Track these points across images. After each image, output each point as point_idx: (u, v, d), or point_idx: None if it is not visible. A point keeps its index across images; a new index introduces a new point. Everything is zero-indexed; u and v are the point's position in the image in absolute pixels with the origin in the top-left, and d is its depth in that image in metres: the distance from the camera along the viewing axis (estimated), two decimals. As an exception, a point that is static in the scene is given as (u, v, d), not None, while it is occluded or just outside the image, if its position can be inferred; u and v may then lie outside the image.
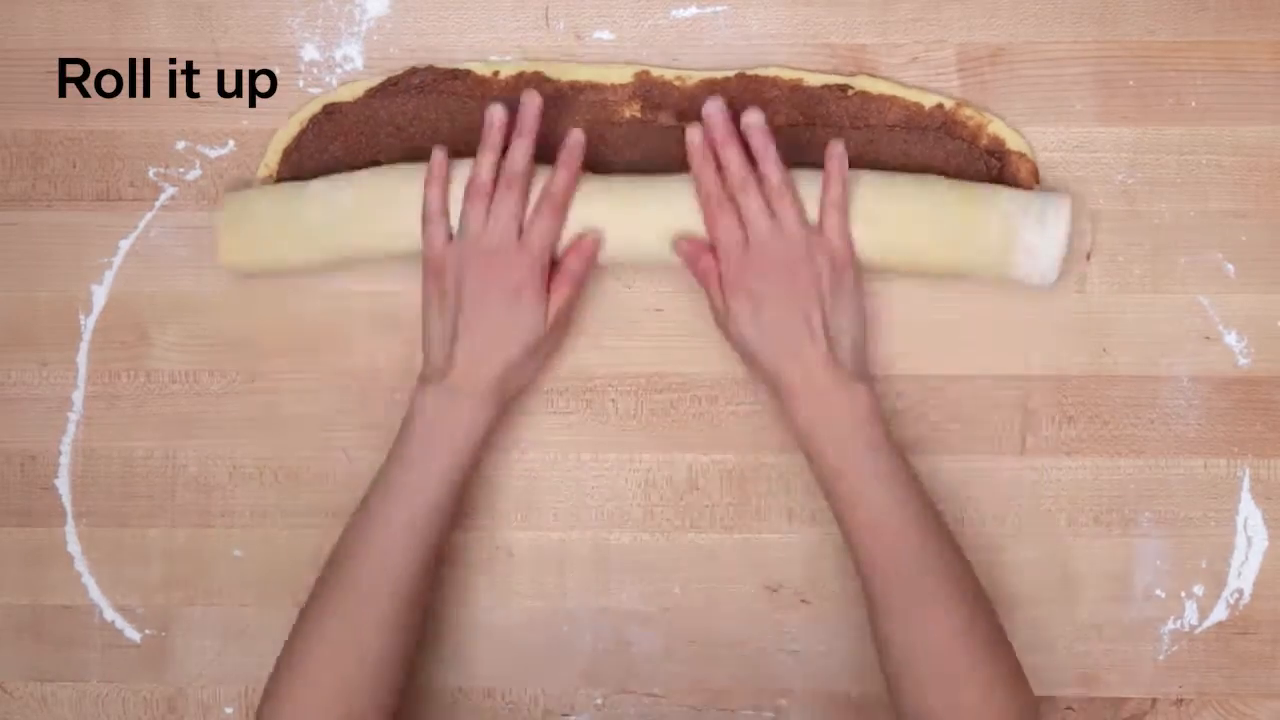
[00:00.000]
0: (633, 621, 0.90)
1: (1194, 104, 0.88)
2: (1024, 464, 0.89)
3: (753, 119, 0.82)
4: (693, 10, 0.89)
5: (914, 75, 0.88)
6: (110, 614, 0.92)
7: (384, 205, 0.85)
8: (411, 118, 0.89)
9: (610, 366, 0.90)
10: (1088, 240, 0.88)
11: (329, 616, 0.81)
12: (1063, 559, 0.89)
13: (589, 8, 0.89)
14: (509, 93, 0.88)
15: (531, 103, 0.84)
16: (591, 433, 0.90)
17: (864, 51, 0.89)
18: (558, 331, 0.86)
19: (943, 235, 0.84)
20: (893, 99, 0.87)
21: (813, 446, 0.82)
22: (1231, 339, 0.88)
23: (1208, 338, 0.88)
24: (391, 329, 0.90)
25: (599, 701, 0.91)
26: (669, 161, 0.86)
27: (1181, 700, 0.89)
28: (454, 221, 0.84)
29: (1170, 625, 0.89)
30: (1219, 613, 0.89)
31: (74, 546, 0.91)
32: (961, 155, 0.87)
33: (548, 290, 0.84)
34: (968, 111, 0.87)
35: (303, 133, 0.89)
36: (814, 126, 0.87)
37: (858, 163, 0.85)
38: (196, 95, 0.90)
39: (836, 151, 0.82)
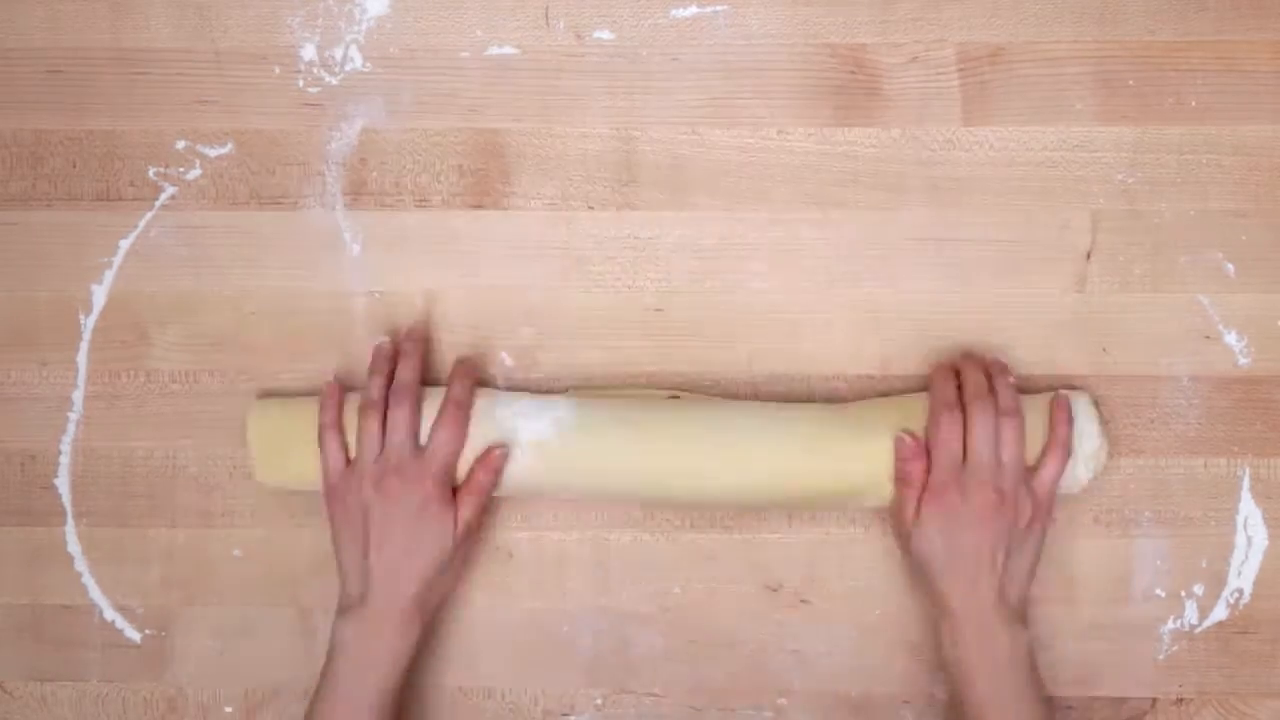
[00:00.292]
0: (633, 621, 0.90)
1: (1194, 104, 0.88)
2: (1024, 464, 0.89)
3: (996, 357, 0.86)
4: (693, 10, 0.89)
5: (914, 75, 0.88)
6: (110, 614, 0.92)
7: None
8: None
9: (610, 366, 0.90)
10: (1088, 240, 0.89)
11: None
12: (1063, 559, 0.89)
13: (589, 7, 0.90)
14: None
15: (415, 332, 0.87)
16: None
17: (864, 51, 0.89)
18: (468, 542, 0.86)
19: None
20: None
21: (961, 673, 0.81)
22: (1231, 339, 0.88)
23: (1208, 337, 0.88)
24: (390, 329, 0.90)
25: (599, 701, 0.90)
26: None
27: (1181, 700, 0.89)
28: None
29: (1170, 625, 0.89)
30: (1219, 612, 0.89)
31: (74, 546, 0.91)
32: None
33: (454, 502, 0.84)
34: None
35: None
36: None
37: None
38: (196, 95, 0.90)
39: (1065, 401, 0.84)
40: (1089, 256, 0.89)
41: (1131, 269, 0.88)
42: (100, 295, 0.91)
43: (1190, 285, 0.88)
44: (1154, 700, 0.89)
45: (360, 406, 0.85)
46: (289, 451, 0.87)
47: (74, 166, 0.91)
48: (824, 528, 0.90)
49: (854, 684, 0.90)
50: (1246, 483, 0.88)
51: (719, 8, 0.89)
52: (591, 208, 0.90)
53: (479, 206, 0.90)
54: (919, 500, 0.82)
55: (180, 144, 0.90)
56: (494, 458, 0.84)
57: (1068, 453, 0.83)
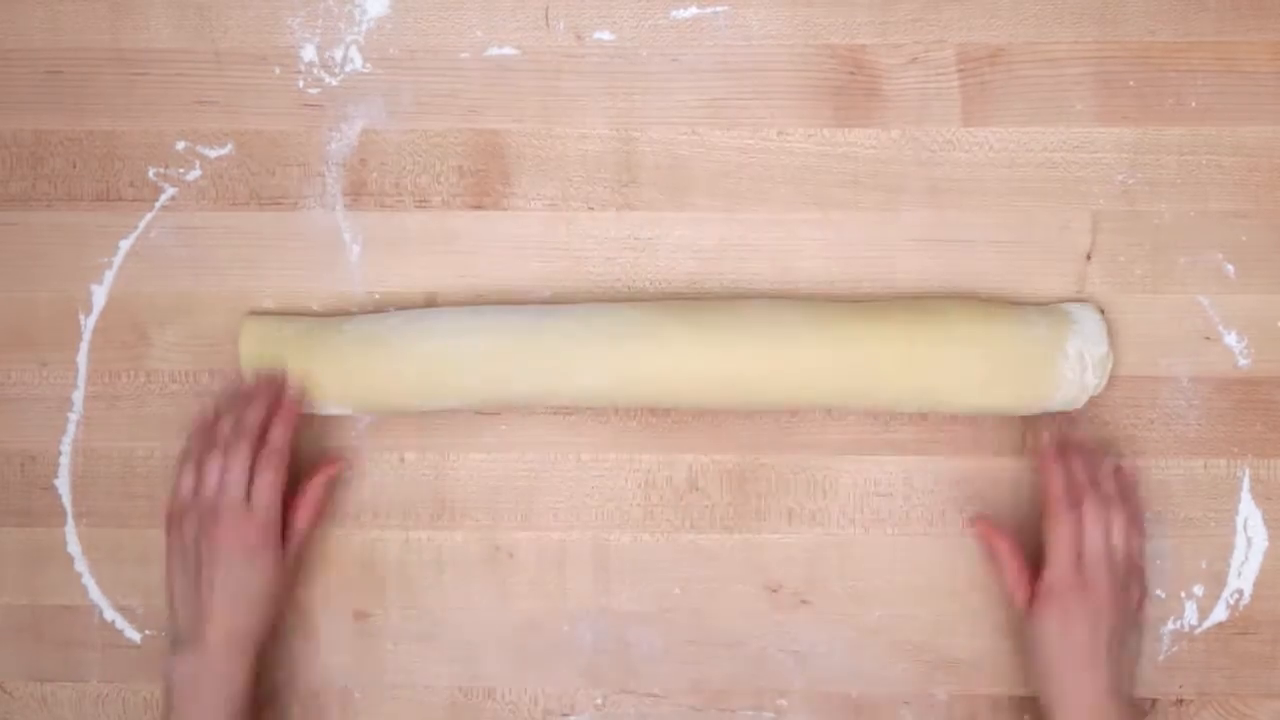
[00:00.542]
0: (633, 621, 0.90)
1: (1194, 104, 0.88)
2: (1024, 464, 0.89)
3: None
4: (693, 10, 0.89)
5: (914, 75, 0.88)
6: (110, 614, 0.92)
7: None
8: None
9: (610, 367, 0.90)
10: (1088, 241, 0.89)
11: None
12: (1063, 559, 0.89)
13: (589, 8, 0.89)
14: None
15: (274, 377, 0.87)
16: (591, 433, 0.90)
17: (864, 52, 0.89)
18: (294, 571, 0.89)
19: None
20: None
21: None
22: (1231, 339, 0.88)
23: (1208, 338, 0.88)
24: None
25: (599, 701, 0.91)
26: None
27: (1181, 700, 0.89)
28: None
29: (1170, 625, 0.89)
30: (1219, 613, 0.89)
31: (74, 546, 0.91)
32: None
33: (279, 542, 0.85)
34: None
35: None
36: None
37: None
38: (196, 96, 0.90)
39: (1129, 472, 0.86)
40: (1089, 257, 0.89)
41: (1131, 270, 0.88)
42: (100, 295, 0.91)
43: (1190, 286, 0.88)
44: (1154, 701, 0.89)
45: (203, 445, 0.86)
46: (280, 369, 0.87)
47: (74, 167, 0.91)
48: (824, 528, 0.90)
49: (854, 684, 0.90)
50: (1246, 484, 0.89)
51: (719, 8, 0.89)
52: (591, 208, 0.90)
53: (479, 207, 0.90)
54: (1032, 594, 0.84)
55: (180, 145, 0.90)
56: (315, 493, 0.87)
57: (1144, 532, 0.85)
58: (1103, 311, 0.87)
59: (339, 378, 0.86)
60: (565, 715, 0.91)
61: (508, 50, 0.90)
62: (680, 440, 0.90)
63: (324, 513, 0.89)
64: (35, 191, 0.91)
